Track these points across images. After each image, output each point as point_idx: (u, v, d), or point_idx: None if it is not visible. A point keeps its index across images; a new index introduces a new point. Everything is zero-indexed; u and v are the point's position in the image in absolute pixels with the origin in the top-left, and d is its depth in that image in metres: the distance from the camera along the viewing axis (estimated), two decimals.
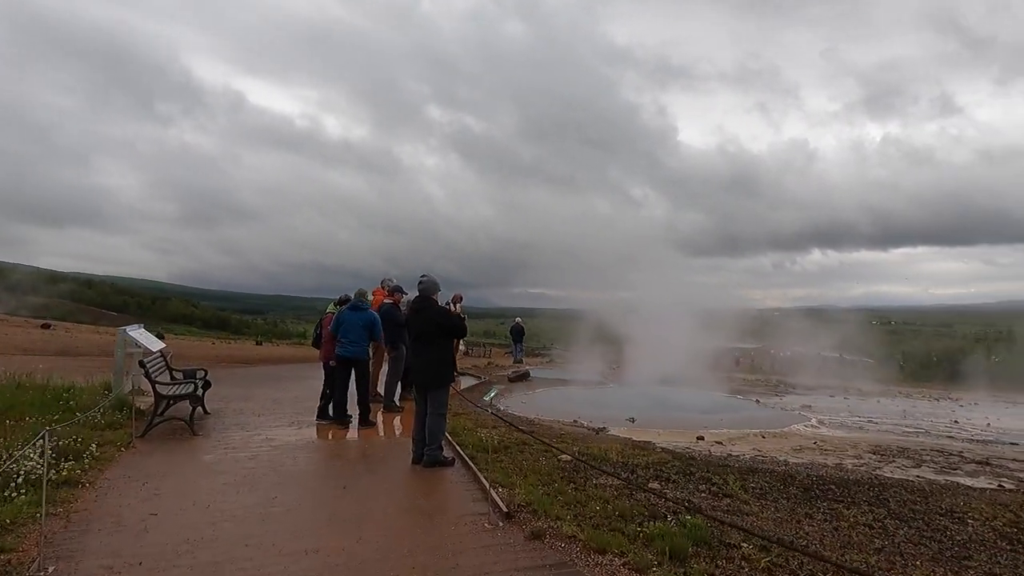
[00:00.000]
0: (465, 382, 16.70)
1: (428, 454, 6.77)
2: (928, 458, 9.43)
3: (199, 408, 8.63)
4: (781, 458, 8.87)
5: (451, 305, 16.24)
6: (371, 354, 9.33)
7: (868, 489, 7.07)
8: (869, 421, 12.98)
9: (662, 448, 8.90)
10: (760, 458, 8.78)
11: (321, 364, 9.34)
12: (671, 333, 22.60)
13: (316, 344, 9.67)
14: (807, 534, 5.30)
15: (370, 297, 11.50)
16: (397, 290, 10.37)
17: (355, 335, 8.75)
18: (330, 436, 8.41)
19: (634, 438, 9.81)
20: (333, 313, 9.21)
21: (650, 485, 6.60)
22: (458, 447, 7.50)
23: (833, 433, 11.33)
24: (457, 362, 17.30)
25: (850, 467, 8.53)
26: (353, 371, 8.92)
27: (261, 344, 29.51)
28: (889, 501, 6.58)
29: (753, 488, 6.72)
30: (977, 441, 11.31)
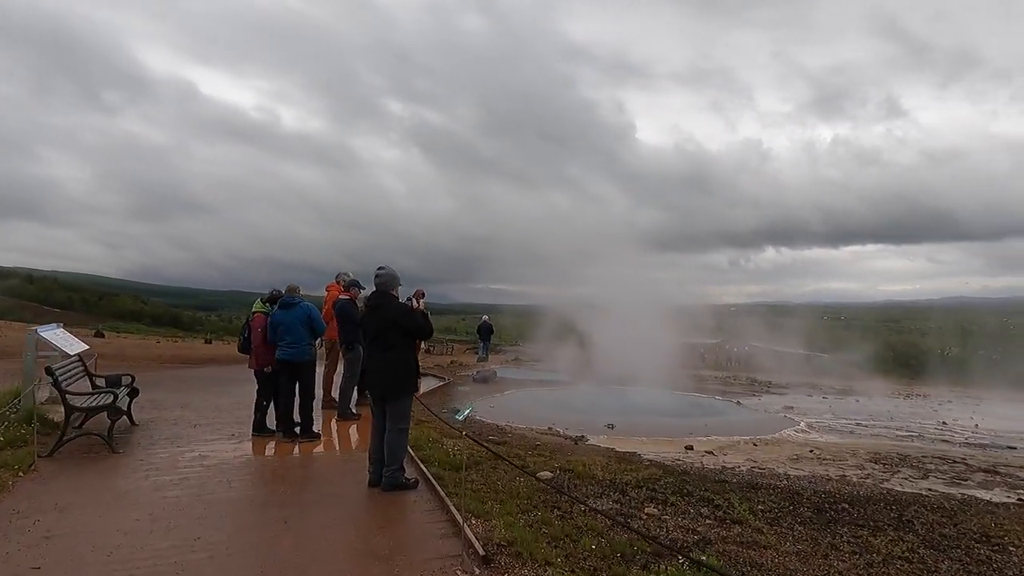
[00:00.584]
0: (428, 384, 15.70)
1: (387, 476, 5.82)
2: (933, 467, 8.80)
3: (122, 420, 7.52)
4: (780, 470, 8.13)
5: (412, 302, 15.22)
6: (320, 354, 8.30)
7: (885, 508, 6.35)
8: (858, 424, 12.40)
9: (650, 461, 8.09)
10: (758, 471, 8.03)
11: (253, 372, 8.25)
12: (635, 330, 22.11)
13: (244, 349, 8.48)
14: (839, 573, 4.49)
15: (326, 291, 10.46)
16: (354, 284, 9.36)
17: (295, 335, 7.75)
18: (274, 452, 7.40)
19: (617, 448, 8.98)
20: (262, 313, 8.13)
21: (646, 510, 5.75)
22: (422, 464, 6.57)
23: (826, 439, 10.67)
24: (420, 363, 16.28)
25: (855, 479, 7.83)
26: (299, 376, 7.93)
27: (210, 342, 28.01)
28: (915, 524, 5.85)
29: (762, 511, 5.92)
30: (974, 445, 10.78)
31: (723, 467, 8.15)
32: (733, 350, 30.23)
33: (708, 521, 5.52)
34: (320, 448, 7.65)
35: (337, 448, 7.86)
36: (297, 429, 7.94)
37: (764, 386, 19.88)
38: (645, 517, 5.54)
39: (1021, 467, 9.01)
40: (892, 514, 6.14)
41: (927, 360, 26.57)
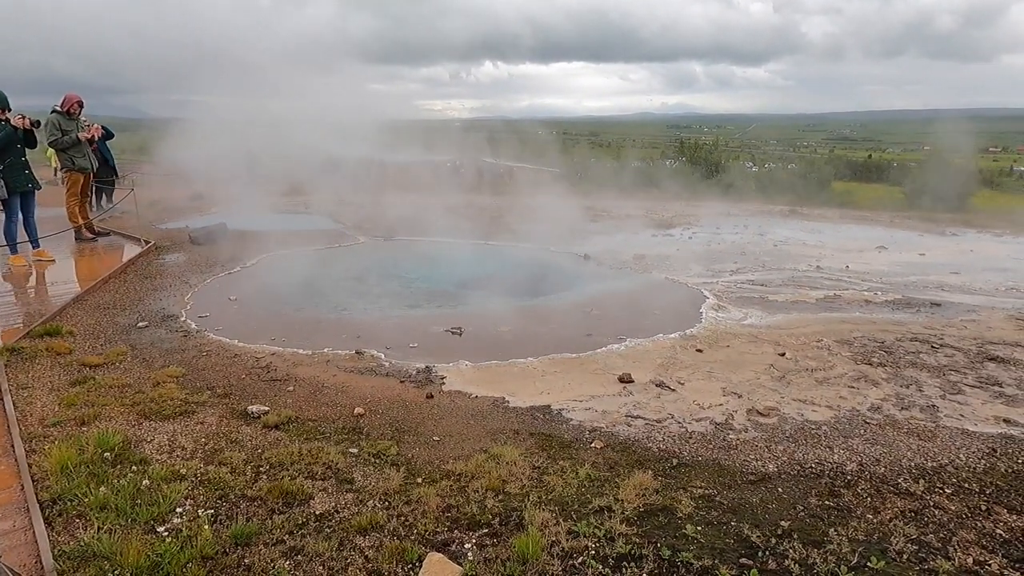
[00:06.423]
0: (114, 249, 10.29)
1: None
2: (933, 361, 6.58)
3: None
4: (790, 411, 5.18)
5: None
6: None
7: None
8: (753, 284, 9.99)
9: (596, 433, 4.58)
10: (766, 422, 4.96)
11: None
12: (372, 151, 19.51)
13: None
14: None
15: None
16: None
17: None
18: None
19: (509, 398, 5.33)
20: None
21: None
22: None
23: (759, 319, 8.00)
24: (87, 215, 10.90)
25: (913, 421, 5.07)
26: None
27: None
28: None
29: None
30: (902, 306, 8.90)
31: (713, 423, 4.93)
32: (483, 170, 27.64)
33: None
34: None
35: None
36: None
37: (565, 224, 16.89)
38: None
39: (1017, 344, 7.05)
40: None
41: (657, 173, 26.58)
